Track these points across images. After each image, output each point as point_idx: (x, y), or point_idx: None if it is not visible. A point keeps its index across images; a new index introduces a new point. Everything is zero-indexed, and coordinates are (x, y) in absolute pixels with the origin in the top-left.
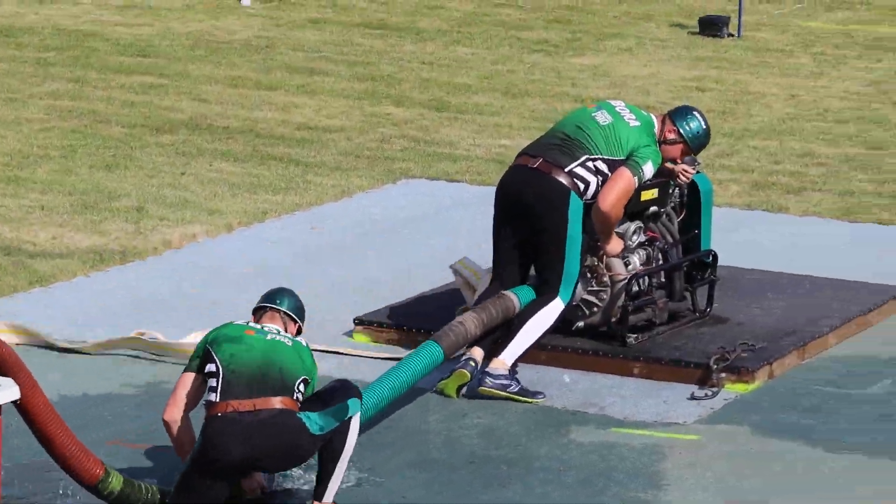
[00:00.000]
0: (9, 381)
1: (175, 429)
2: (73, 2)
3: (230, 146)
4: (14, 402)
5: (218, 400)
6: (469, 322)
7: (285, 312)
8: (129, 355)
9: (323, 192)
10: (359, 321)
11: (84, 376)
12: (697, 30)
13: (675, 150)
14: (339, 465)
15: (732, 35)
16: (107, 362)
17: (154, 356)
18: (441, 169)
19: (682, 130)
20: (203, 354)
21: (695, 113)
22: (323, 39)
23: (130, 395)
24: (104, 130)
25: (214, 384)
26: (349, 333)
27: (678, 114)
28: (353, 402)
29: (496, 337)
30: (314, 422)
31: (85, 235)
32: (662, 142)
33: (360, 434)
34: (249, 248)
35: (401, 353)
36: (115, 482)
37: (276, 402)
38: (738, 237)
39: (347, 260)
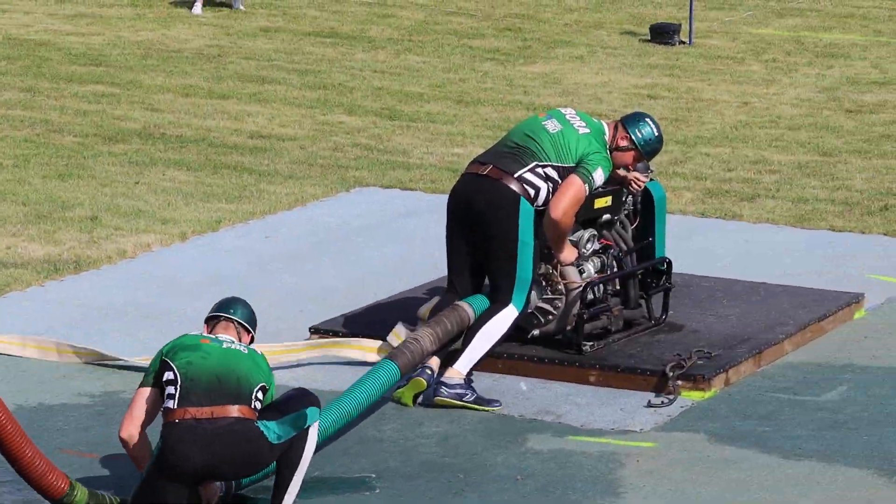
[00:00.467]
0: None
1: (132, 445)
2: (24, 11)
3: (183, 155)
4: None
5: (176, 407)
6: (425, 339)
7: (239, 322)
8: (83, 364)
9: (277, 200)
10: (314, 330)
11: (38, 386)
12: (648, 37)
13: (628, 157)
14: (296, 473)
15: (684, 42)
16: (60, 371)
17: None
18: (394, 177)
19: (634, 137)
20: (159, 366)
21: (647, 119)
22: (274, 48)
23: (84, 404)
24: (57, 140)
25: (172, 391)
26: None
27: (630, 120)
28: (311, 411)
29: (453, 346)
30: (272, 431)
31: (39, 245)
32: (615, 149)
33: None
34: (203, 258)
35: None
36: (81, 496)
37: (234, 411)
38: (692, 244)
39: (302, 269)
